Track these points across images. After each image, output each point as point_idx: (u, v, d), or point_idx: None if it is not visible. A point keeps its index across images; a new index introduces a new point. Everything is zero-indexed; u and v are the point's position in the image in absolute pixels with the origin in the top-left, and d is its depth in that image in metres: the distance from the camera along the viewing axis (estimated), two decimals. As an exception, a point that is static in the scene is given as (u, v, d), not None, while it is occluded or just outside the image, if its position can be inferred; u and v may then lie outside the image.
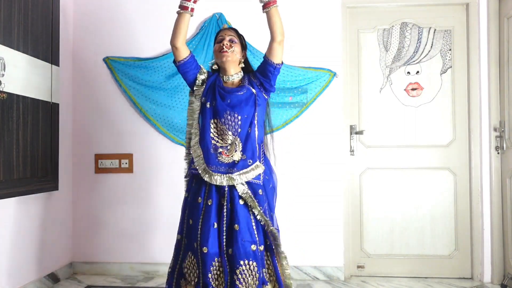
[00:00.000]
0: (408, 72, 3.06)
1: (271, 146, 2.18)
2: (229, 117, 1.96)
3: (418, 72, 3.05)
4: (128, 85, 3.05)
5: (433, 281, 2.94)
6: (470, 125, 2.98)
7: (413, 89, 3.06)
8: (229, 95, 1.98)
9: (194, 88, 2.06)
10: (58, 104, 2.93)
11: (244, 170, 1.93)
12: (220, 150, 1.95)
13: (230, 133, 1.96)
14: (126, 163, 3.11)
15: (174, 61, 2.05)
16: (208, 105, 1.99)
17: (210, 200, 1.94)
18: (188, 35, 3.05)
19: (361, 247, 3.07)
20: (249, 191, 1.93)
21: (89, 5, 3.15)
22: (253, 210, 1.92)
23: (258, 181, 1.97)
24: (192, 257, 1.95)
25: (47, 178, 2.81)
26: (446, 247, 3.02)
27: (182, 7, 1.94)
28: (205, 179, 1.93)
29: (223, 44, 1.99)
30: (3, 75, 2.38)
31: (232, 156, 1.95)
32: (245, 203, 1.93)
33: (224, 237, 1.91)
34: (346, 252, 3.00)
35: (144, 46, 3.10)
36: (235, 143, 1.96)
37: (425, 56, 3.04)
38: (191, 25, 3.04)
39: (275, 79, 2.06)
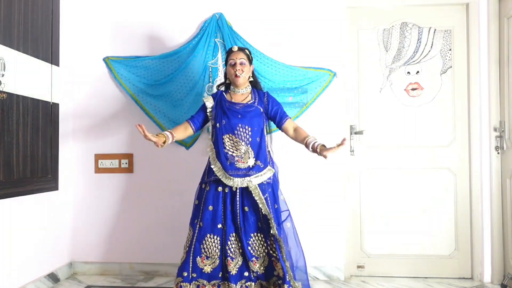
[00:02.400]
0: (408, 72, 3.06)
1: (270, 146, 2.46)
2: (241, 129, 2.29)
3: (418, 72, 3.05)
4: (129, 84, 3.05)
5: (433, 281, 2.94)
6: (470, 125, 2.98)
7: (413, 89, 3.06)
8: (239, 110, 2.32)
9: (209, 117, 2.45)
10: (58, 104, 2.94)
11: (260, 173, 2.27)
12: (237, 158, 2.28)
13: (243, 143, 2.28)
14: (126, 163, 3.11)
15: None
16: (218, 125, 2.33)
17: (227, 188, 2.30)
18: (188, 35, 3.06)
19: (361, 247, 3.07)
20: (260, 191, 2.26)
21: (89, 5, 3.15)
22: (260, 205, 2.25)
23: (269, 180, 2.32)
24: (215, 236, 2.29)
25: (47, 178, 2.81)
26: (446, 247, 3.02)
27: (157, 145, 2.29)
28: (227, 183, 2.26)
29: (236, 70, 2.32)
30: (3, 75, 2.38)
31: (247, 162, 2.27)
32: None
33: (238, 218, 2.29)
34: (346, 252, 3.00)
35: (144, 46, 3.10)
36: (248, 152, 2.28)
37: (425, 56, 3.04)
38: (191, 25, 3.07)
39: None
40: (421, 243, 3.02)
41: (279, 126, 2.42)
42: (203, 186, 2.36)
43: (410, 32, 3.05)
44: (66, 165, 3.07)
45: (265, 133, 2.38)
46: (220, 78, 3.00)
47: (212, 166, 2.30)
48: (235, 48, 2.38)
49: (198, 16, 3.07)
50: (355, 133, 3.04)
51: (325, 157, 2.21)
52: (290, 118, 2.43)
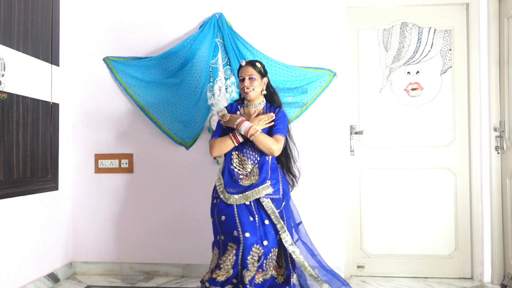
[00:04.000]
0: (408, 72, 3.06)
1: (295, 157, 2.46)
2: (249, 150, 2.29)
3: (418, 72, 3.05)
4: (129, 84, 3.05)
5: (433, 281, 2.94)
6: (470, 125, 2.98)
7: (413, 89, 3.06)
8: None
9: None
10: (58, 104, 2.94)
11: (256, 189, 2.20)
12: (241, 176, 2.27)
13: (250, 162, 2.29)
14: (126, 163, 3.11)
15: None
16: None
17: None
18: (188, 35, 3.06)
19: (361, 247, 3.07)
20: (272, 205, 2.22)
21: (89, 5, 3.15)
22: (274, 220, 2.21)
23: (277, 195, 2.26)
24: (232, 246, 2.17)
25: (47, 178, 2.81)
26: (446, 247, 3.02)
27: (234, 139, 2.25)
28: (223, 199, 2.21)
29: (244, 86, 2.28)
30: (3, 75, 2.38)
31: (250, 180, 2.25)
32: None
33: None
34: (346, 252, 3.00)
35: (144, 46, 3.10)
36: (253, 170, 2.28)
37: (425, 56, 3.04)
38: (191, 25, 3.07)
39: None
40: (421, 243, 3.02)
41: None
42: (215, 201, 2.29)
43: (410, 32, 3.05)
44: (66, 165, 3.07)
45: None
46: (220, 78, 3.00)
47: (216, 180, 2.30)
48: (244, 63, 2.33)
49: (198, 16, 3.07)
50: (355, 133, 3.04)
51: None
52: (282, 136, 2.27)
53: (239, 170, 2.28)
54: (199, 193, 3.03)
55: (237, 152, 2.30)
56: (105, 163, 3.12)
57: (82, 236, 3.14)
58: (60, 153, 2.96)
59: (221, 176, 2.30)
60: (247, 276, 2.11)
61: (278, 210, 2.22)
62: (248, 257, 2.10)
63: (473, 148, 2.96)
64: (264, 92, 2.36)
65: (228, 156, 2.30)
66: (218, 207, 2.23)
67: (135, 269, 3.09)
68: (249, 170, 2.28)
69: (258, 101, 2.35)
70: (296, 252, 2.22)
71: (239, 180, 2.25)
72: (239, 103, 2.41)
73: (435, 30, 3.03)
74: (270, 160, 2.29)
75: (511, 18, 2.79)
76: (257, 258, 2.14)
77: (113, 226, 3.12)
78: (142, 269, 3.09)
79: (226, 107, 2.40)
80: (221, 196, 2.23)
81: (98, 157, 3.13)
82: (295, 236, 2.35)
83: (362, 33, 3.08)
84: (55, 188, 2.91)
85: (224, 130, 2.34)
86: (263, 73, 2.34)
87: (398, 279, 2.98)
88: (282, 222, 2.22)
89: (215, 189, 2.31)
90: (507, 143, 2.84)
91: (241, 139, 2.24)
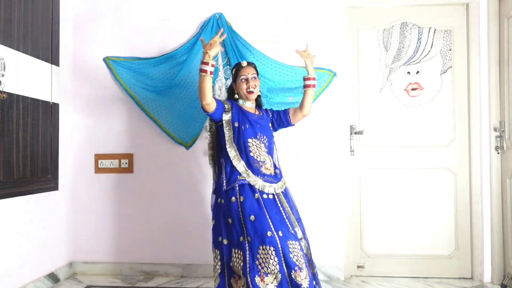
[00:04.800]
0: (408, 72, 3.06)
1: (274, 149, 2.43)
2: (261, 138, 2.26)
3: (418, 72, 3.05)
4: (129, 84, 3.05)
5: (433, 281, 2.94)
6: (470, 125, 2.98)
7: (413, 89, 3.06)
8: (258, 120, 2.28)
9: (223, 119, 2.24)
10: (58, 104, 2.94)
11: (280, 183, 2.25)
12: (261, 163, 2.21)
13: (266, 149, 2.26)
14: (126, 163, 3.11)
15: (204, 110, 2.20)
16: (243, 128, 2.22)
17: (257, 194, 2.15)
18: (188, 35, 3.06)
19: (361, 247, 3.07)
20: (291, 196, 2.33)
21: (89, 5, 3.15)
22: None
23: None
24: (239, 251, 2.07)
25: (47, 178, 2.81)
26: (446, 247, 3.02)
27: (202, 71, 2.11)
28: (257, 187, 2.15)
29: (249, 85, 2.26)
30: (3, 75, 2.38)
31: (269, 169, 2.23)
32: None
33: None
34: (346, 252, 3.00)
35: (144, 46, 3.10)
36: (268, 159, 2.26)
37: (425, 56, 3.04)
38: (191, 25, 3.07)
39: None
40: (421, 243, 3.02)
41: (289, 120, 2.40)
42: (233, 199, 2.14)
43: (410, 32, 3.05)
44: (66, 165, 3.07)
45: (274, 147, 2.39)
46: (220, 78, 3.00)
47: (236, 167, 2.16)
48: (245, 64, 2.30)
49: (198, 16, 3.07)
50: (355, 133, 3.04)
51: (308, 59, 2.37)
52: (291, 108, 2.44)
53: (257, 156, 2.21)
54: (199, 193, 3.03)
55: (252, 139, 2.22)
56: (105, 163, 3.12)
57: (82, 236, 3.14)
58: (60, 153, 2.96)
59: (240, 163, 2.16)
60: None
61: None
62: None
63: (473, 148, 2.96)
64: (259, 93, 2.37)
65: (245, 142, 2.19)
66: (243, 206, 2.08)
67: (135, 269, 3.09)
68: (262, 159, 2.22)
69: (255, 98, 2.35)
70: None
71: (260, 168, 2.19)
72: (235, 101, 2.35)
73: (435, 30, 3.03)
74: (276, 153, 2.36)
75: (511, 18, 2.79)
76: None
77: (113, 226, 3.12)
78: (142, 269, 3.09)
79: (226, 100, 2.31)
80: (253, 183, 2.12)
81: (98, 157, 3.13)
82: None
83: (362, 33, 3.08)
84: (55, 188, 2.91)
85: (223, 109, 2.24)
86: (257, 73, 2.37)
87: (398, 279, 2.98)
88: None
89: (225, 177, 2.18)
90: (507, 143, 2.84)
91: (211, 68, 2.09)
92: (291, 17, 3.03)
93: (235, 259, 2.08)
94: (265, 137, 2.27)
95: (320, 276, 2.97)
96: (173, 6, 3.10)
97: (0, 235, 2.41)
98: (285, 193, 2.29)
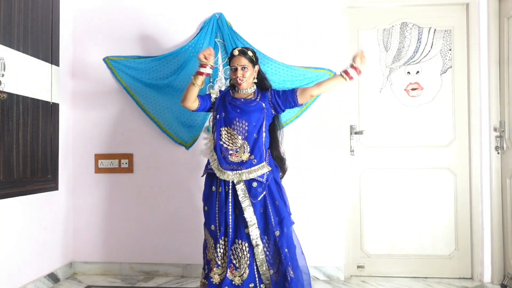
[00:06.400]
0: (408, 72, 3.06)
1: (281, 145, 2.45)
2: (238, 123, 2.25)
3: (418, 72, 3.05)
4: (129, 83, 3.05)
5: (433, 281, 2.94)
6: (470, 125, 2.98)
7: (413, 89, 3.06)
8: (239, 105, 2.28)
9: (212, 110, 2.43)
10: (58, 104, 2.94)
11: (251, 169, 2.21)
12: (231, 152, 2.25)
13: (240, 137, 2.25)
14: (126, 163, 3.11)
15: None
16: (218, 117, 2.31)
17: (220, 188, 2.27)
18: (188, 35, 3.06)
19: (361, 247, 3.07)
20: (245, 187, 2.22)
21: (89, 5, 3.15)
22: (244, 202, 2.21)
23: (261, 179, 2.22)
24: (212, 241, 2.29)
25: (47, 178, 2.81)
26: (446, 247, 3.02)
27: (199, 73, 2.23)
28: (219, 176, 2.24)
29: (237, 76, 2.28)
30: (3, 75, 2.38)
31: (240, 157, 2.24)
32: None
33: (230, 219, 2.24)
34: (346, 252, 3.00)
35: (144, 46, 3.10)
36: (244, 146, 2.24)
37: (425, 56, 3.04)
38: (191, 25, 3.07)
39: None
40: (421, 243, 3.02)
41: (296, 100, 2.30)
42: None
43: (410, 32, 3.05)
44: (66, 165, 3.07)
45: (264, 131, 2.29)
46: (220, 78, 3.00)
47: (209, 157, 2.33)
48: (236, 52, 2.29)
49: (198, 16, 3.07)
50: (355, 133, 3.04)
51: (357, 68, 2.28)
52: (298, 88, 2.35)
53: (228, 145, 2.26)
54: (199, 193, 3.01)
55: (226, 128, 2.27)
56: (105, 163, 3.12)
57: (82, 236, 3.14)
58: (60, 153, 2.96)
59: (214, 151, 2.30)
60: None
61: (256, 200, 2.21)
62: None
63: (473, 148, 2.96)
64: (255, 80, 2.36)
65: (217, 132, 2.29)
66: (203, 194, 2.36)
67: (135, 269, 3.09)
68: (238, 145, 2.24)
69: (248, 87, 2.34)
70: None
71: (229, 156, 2.24)
72: (230, 89, 2.43)
73: (435, 30, 3.03)
74: (264, 138, 2.28)
75: (511, 18, 2.79)
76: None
77: (113, 226, 3.12)
78: (142, 269, 3.09)
79: (219, 91, 2.44)
80: (217, 173, 2.24)
81: (98, 157, 3.13)
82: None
83: (362, 33, 3.08)
84: (55, 188, 2.91)
85: (209, 104, 2.40)
86: (255, 61, 2.33)
87: (398, 279, 2.98)
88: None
89: (206, 173, 2.35)
90: (507, 143, 2.84)
91: (209, 70, 2.22)
92: (291, 17, 3.03)
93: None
94: (244, 121, 2.24)
95: (320, 276, 2.97)
96: (173, 6, 3.10)
97: (0, 235, 2.41)
98: (258, 184, 2.20)
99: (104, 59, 3.11)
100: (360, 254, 3.06)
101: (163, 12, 3.10)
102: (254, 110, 2.26)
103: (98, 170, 3.13)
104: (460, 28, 3.01)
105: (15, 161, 2.48)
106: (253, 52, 2.35)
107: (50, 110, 2.84)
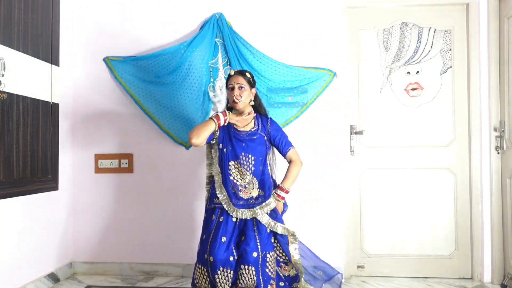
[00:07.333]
0: (408, 72, 3.06)
1: (274, 167, 2.45)
2: (244, 158, 2.25)
3: (418, 72, 3.05)
4: (129, 83, 3.04)
5: (433, 281, 2.94)
6: (470, 125, 2.98)
7: (413, 89, 3.06)
8: (244, 140, 2.28)
9: (211, 142, 2.36)
10: (58, 104, 2.94)
11: (263, 205, 2.22)
12: (240, 188, 2.23)
13: (248, 173, 2.24)
14: (126, 163, 3.11)
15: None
16: (225, 151, 2.27)
17: (222, 217, 2.22)
18: (188, 35, 3.06)
19: (361, 247, 3.07)
20: (271, 219, 2.21)
21: (89, 5, 3.15)
22: (277, 229, 2.20)
23: (271, 208, 2.26)
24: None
25: (47, 178, 2.81)
26: (446, 247, 3.02)
27: (216, 118, 2.25)
28: (231, 213, 2.20)
29: (234, 95, 2.26)
30: (3, 75, 2.38)
31: (250, 193, 2.24)
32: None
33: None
34: (346, 252, 3.00)
35: (144, 46, 3.10)
36: (252, 182, 2.25)
37: (425, 56, 3.04)
38: (191, 25, 3.07)
39: None
40: (421, 243, 3.02)
41: (283, 154, 2.36)
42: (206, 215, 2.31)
43: (410, 32, 3.05)
44: (66, 165, 3.07)
45: (268, 162, 2.34)
46: (221, 78, 3.00)
47: (217, 192, 2.24)
48: (233, 72, 2.31)
49: (198, 16, 3.07)
50: (355, 133, 3.04)
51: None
52: (294, 147, 2.37)
53: (237, 180, 2.24)
54: (199, 193, 3.03)
55: (234, 162, 2.25)
56: (105, 163, 3.12)
57: (82, 236, 3.14)
58: (60, 153, 2.96)
59: (223, 187, 2.24)
60: None
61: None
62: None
63: (473, 148, 2.96)
64: (252, 103, 2.34)
65: (226, 166, 2.25)
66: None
67: (135, 269, 3.09)
68: (247, 181, 2.24)
69: (247, 112, 2.32)
70: None
71: (239, 192, 2.22)
72: (229, 112, 2.37)
73: (435, 30, 3.03)
74: (269, 170, 2.33)
75: (511, 18, 2.79)
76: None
77: (113, 226, 3.12)
78: (142, 269, 3.09)
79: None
80: (228, 209, 2.19)
81: (98, 157, 3.13)
82: None
83: (362, 33, 3.08)
84: (55, 188, 2.91)
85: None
86: (252, 84, 2.33)
87: (398, 279, 2.98)
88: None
89: (209, 198, 2.30)
90: (507, 143, 2.84)
91: (222, 122, 2.25)
92: (291, 17, 3.03)
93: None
94: (250, 155, 2.25)
95: (320, 276, 2.97)
96: (173, 6, 3.10)
97: (0, 235, 2.41)
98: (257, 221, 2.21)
99: (104, 59, 3.11)
100: (360, 254, 3.07)
101: (163, 12, 3.10)
102: (259, 143, 2.28)
103: (98, 170, 3.13)
104: (460, 28, 3.01)
105: (15, 161, 2.48)
106: (251, 74, 2.35)
107: (50, 110, 2.84)
